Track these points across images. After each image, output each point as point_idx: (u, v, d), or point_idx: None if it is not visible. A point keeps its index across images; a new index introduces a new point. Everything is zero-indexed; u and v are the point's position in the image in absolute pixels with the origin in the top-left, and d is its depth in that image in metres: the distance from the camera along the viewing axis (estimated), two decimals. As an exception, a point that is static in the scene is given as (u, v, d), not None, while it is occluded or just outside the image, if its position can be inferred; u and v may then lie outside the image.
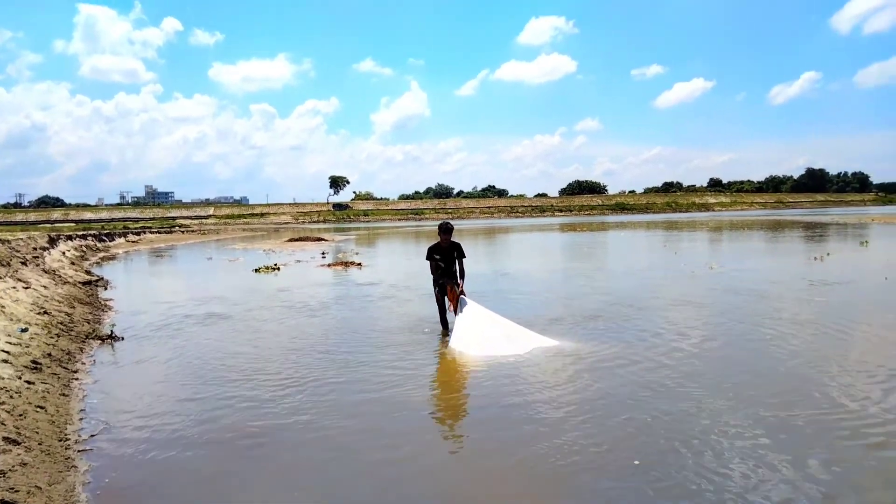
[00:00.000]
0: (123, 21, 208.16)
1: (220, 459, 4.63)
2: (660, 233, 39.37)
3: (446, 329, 8.74)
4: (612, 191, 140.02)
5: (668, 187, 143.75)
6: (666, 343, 7.89)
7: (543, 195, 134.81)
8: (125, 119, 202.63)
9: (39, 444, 4.35)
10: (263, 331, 9.56)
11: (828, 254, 19.75)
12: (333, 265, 20.53)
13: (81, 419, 5.30)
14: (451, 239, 8.70)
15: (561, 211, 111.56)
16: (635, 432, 4.87)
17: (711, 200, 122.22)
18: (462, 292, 8.50)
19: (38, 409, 5.08)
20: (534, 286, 14.38)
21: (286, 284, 15.64)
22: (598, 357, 7.24)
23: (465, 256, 8.78)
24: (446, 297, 8.74)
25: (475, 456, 4.71)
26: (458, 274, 8.74)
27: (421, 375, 6.82)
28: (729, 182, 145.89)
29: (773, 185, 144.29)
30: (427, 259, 8.76)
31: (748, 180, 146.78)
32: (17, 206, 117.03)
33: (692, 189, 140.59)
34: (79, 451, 4.54)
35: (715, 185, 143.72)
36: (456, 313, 8.51)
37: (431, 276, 8.82)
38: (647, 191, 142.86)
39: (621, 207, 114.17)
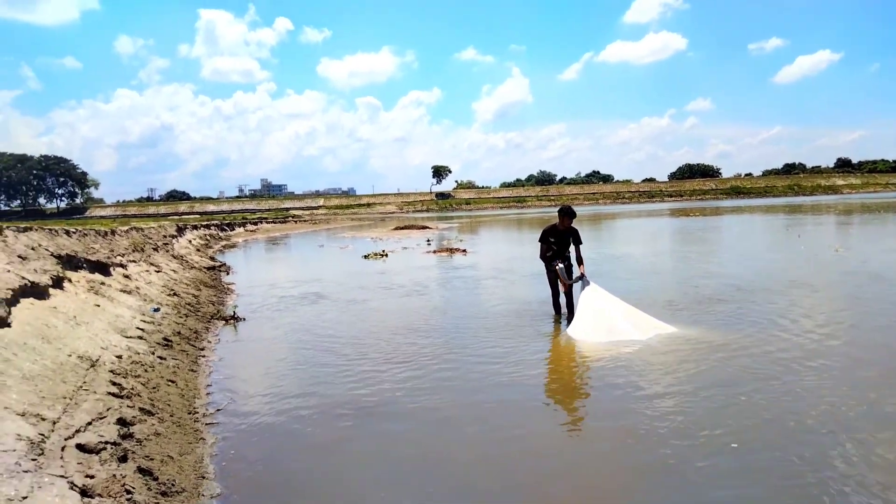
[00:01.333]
0: (239, 23, 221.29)
1: (335, 432, 4.71)
2: (780, 217, 36.57)
3: (558, 312, 8.45)
4: (726, 174, 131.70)
5: (790, 169, 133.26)
6: (786, 329, 7.26)
7: (651, 180, 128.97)
8: (242, 117, 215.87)
9: (171, 415, 4.54)
10: (376, 311, 9.70)
11: None
12: (439, 251, 20.66)
13: (208, 394, 5.54)
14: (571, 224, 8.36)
15: (671, 196, 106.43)
16: (758, 422, 4.43)
17: (840, 182, 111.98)
18: (583, 275, 8.11)
19: (170, 383, 5.34)
20: (646, 270, 13.73)
21: (395, 268, 15.89)
22: (717, 343, 6.73)
23: (581, 242, 8.37)
24: (559, 282, 8.40)
25: (582, 439, 4.56)
26: (572, 259, 8.41)
27: (531, 358, 6.63)
28: (860, 162, 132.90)
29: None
30: (540, 241, 8.46)
31: (882, 160, 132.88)
32: (149, 199, 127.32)
33: (817, 170, 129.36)
34: (206, 423, 4.71)
35: (843, 166, 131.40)
36: (568, 301, 8.19)
37: (543, 258, 8.49)
38: (766, 173, 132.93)
39: (737, 192, 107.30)
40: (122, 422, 4.02)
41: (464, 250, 20.37)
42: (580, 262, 8.30)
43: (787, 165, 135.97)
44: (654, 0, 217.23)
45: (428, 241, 26.45)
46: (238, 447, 4.37)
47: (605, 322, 7.37)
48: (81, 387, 4.42)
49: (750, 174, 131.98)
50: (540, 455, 4.26)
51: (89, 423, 3.80)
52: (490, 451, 4.34)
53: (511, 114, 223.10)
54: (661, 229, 31.18)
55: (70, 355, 5.02)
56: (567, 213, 8.30)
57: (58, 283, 6.93)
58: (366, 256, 19.59)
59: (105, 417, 4.00)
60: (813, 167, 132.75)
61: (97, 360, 5.23)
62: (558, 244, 8.33)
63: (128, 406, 4.36)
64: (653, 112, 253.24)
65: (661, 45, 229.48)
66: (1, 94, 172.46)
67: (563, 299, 8.44)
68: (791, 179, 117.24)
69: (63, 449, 3.29)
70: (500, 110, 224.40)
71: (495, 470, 4.07)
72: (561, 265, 8.20)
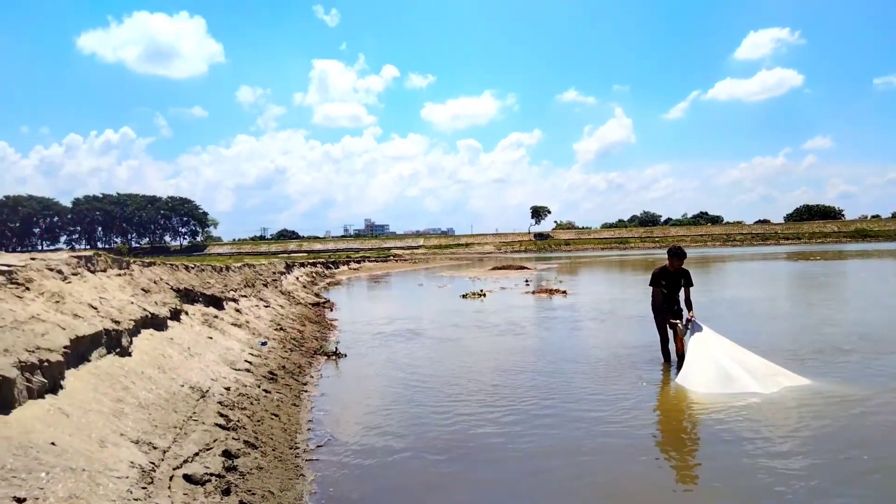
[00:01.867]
0: (349, 71, 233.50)
1: (430, 476, 4.60)
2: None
3: (668, 360, 7.97)
4: (850, 216, 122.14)
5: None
6: None
7: (765, 221, 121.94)
8: (349, 160, 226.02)
9: (273, 449, 4.59)
10: (474, 351, 9.60)
11: None
12: (537, 292, 20.31)
13: (309, 429, 5.58)
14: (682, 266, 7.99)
15: (787, 238, 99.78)
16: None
17: None
18: (692, 318, 7.63)
19: (273, 417, 5.43)
20: (763, 315, 12.75)
21: (493, 308, 15.75)
22: (853, 399, 6.06)
23: (692, 285, 8.01)
24: (672, 332, 7.91)
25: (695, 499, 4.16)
26: (681, 303, 7.98)
27: (637, 407, 6.22)
28: None
29: None
30: (651, 285, 8.08)
31: None
32: (261, 238, 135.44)
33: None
34: (307, 459, 4.72)
35: None
36: (682, 348, 7.62)
37: (652, 304, 8.09)
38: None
39: (862, 235, 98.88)
40: (227, 454, 4.09)
41: (563, 291, 19.92)
42: (689, 306, 7.85)
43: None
44: (766, 36, 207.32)
45: (526, 281, 26.14)
46: (337, 485, 4.33)
47: (719, 370, 6.76)
48: (191, 417, 4.56)
49: (878, 216, 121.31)
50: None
51: (196, 454, 3.89)
52: (576, 497, 4.15)
53: (613, 154, 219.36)
54: (777, 272, 29.18)
55: (182, 385, 5.23)
56: (677, 255, 7.91)
57: (175, 315, 7.33)
58: (464, 296, 19.59)
59: (212, 449, 4.09)
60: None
61: (207, 390, 5.41)
62: (669, 287, 7.96)
63: (233, 438, 4.45)
64: (766, 151, 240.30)
65: (774, 81, 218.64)
66: (138, 142, 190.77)
67: (672, 345, 7.96)
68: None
69: (171, 479, 3.36)
70: (602, 150, 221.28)
71: None
72: (680, 325, 7.72)
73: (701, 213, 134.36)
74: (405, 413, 6.24)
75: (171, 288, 8.44)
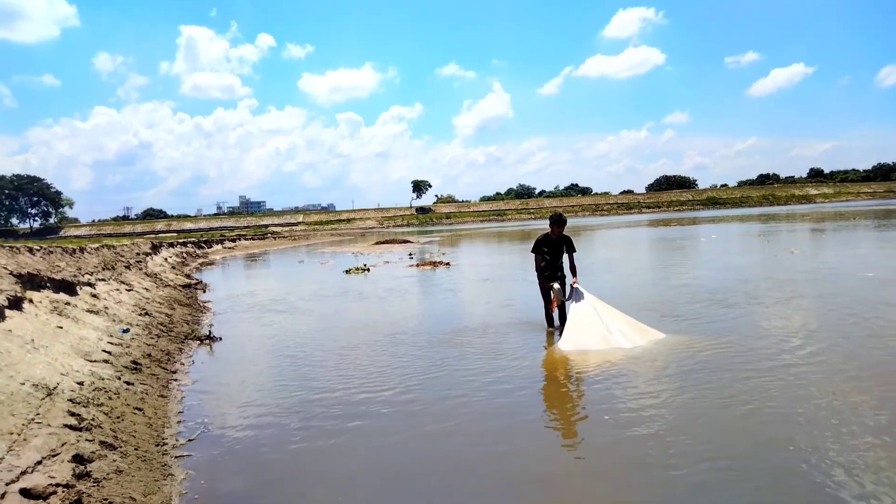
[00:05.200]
0: (221, 40, 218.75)
1: (315, 459, 4.34)
2: (755, 225, 37.02)
3: (551, 325, 8.13)
4: (702, 185, 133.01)
5: (765, 179, 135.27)
6: (764, 331, 7.09)
7: (629, 192, 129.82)
8: (222, 133, 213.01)
9: (136, 448, 4.07)
10: (359, 327, 9.25)
11: None
12: (421, 265, 20.26)
13: (179, 422, 5.06)
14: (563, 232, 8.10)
15: (648, 207, 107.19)
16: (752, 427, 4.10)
17: (813, 192, 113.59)
18: (574, 287, 7.83)
19: (136, 412, 4.86)
20: (627, 278, 13.48)
21: (378, 283, 15.47)
22: (697, 348, 6.77)
23: (574, 250, 8.18)
24: (551, 299, 8.10)
25: (578, 455, 4.33)
26: (562, 268, 8.14)
27: (519, 372, 6.33)
28: (832, 172, 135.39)
29: (883, 173, 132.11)
30: (533, 251, 8.17)
31: (853, 169, 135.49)
32: (125, 218, 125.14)
33: (791, 181, 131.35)
34: (176, 456, 4.24)
35: (816, 176, 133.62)
36: (560, 314, 7.90)
37: (536, 269, 8.19)
38: (741, 184, 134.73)
39: (713, 202, 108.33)
40: (78, 459, 3.56)
41: (447, 263, 20.01)
42: (574, 270, 8.02)
43: (761, 176, 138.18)
44: (634, 15, 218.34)
45: (410, 255, 26.04)
46: (212, 481, 3.91)
47: (595, 331, 7.23)
48: (33, 419, 3.94)
49: (725, 185, 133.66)
50: (523, 469, 4.07)
51: (39, 463, 3.34)
52: (470, 467, 4.13)
53: (491, 128, 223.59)
54: (641, 238, 31.17)
55: (24, 384, 4.54)
56: (558, 222, 8.03)
57: (16, 304, 6.41)
58: (347, 271, 19.11)
59: (58, 455, 3.53)
60: (787, 177, 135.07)
61: (55, 387, 4.74)
62: (551, 253, 8.08)
63: (86, 440, 3.89)
64: (631, 125, 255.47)
65: (640, 59, 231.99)
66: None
67: (556, 311, 8.13)
68: (765, 190, 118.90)
69: (3, 496, 2.82)
70: (481, 125, 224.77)
71: (472, 485, 3.88)
72: (557, 286, 7.91)
73: (572, 184, 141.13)
74: (288, 395, 5.84)
75: (11, 273, 7.39)
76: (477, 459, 4.23)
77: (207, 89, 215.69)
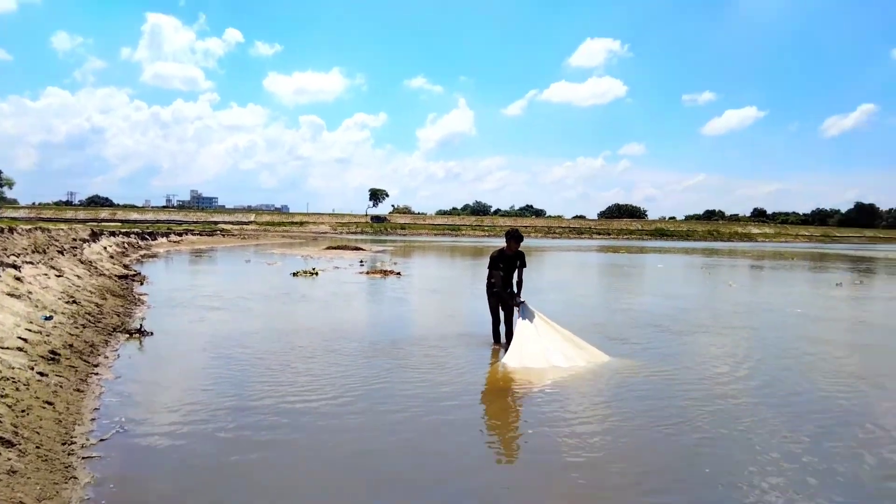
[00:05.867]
0: (188, 31, 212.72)
1: (242, 464, 4.04)
2: (697, 258, 38.13)
3: (497, 341, 8.02)
4: (652, 216, 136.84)
5: (711, 215, 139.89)
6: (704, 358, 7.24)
7: (581, 217, 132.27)
8: (180, 125, 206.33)
9: (38, 447, 3.70)
10: (301, 331, 8.91)
11: (860, 282, 20.87)
12: (372, 273, 19.95)
13: (94, 419, 4.65)
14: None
15: (599, 234, 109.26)
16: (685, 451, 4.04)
17: (754, 231, 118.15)
18: (521, 301, 7.76)
19: (46, 406, 4.46)
20: (575, 300, 13.54)
21: (325, 287, 15.10)
22: (643, 374, 6.82)
23: (525, 266, 8.11)
24: (501, 313, 8.02)
25: (512, 474, 4.24)
26: (512, 284, 8.05)
27: (463, 387, 6.20)
28: (774, 213, 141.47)
29: (820, 217, 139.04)
30: (490, 268, 8.05)
31: (794, 212, 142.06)
32: (68, 204, 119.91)
33: (735, 218, 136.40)
34: (83, 457, 3.87)
35: (759, 216, 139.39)
36: (508, 330, 7.81)
37: (487, 284, 8.09)
38: (688, 218, 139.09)
39: (661, 233, 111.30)
40: (-32, 454, 3.19)
41: (397, 273, 19.76)
42: (520, 286, 8.01)
43: (707, 211, 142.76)
44: (600, 45, 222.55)
45: (361, 262, 25.66)
46: (122, 487, 3.58)
47: (540, 349, 7.18)
48: (-77, 407, 3.55)
49: (674, 217, 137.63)
50: (456, 487, 3.91)
51: (-80, 457, 2.97)
52: (403, 476, 4.00)
53: (454, 143, 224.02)
54: (590, 263, 31.61)
55: (-81, 367, 4.11)
56: (515, 237, 7.99)
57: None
58: (294, 274, 18.63)
59: (-55, 448, 3.16)
60: (731, 215, 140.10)
61: (-45, 374, 4.32)
62: (506, 269, 8.01)
63: (-19, 434, 3.51)
64: (588, 153, 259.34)
65: (603, 89, 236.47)
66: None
67: (503, 328, 8.02)
68: (711, 225, 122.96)
69: None
70: (444, 139, 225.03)
71: (403, 489, 3.72)
72: (525, 302, 7.85)
73: (527, 205, 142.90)
74: (217, 398, 5.50)
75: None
76: (409, 475, 4.03)
77: (169, 79, 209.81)
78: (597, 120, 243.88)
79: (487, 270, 8.11)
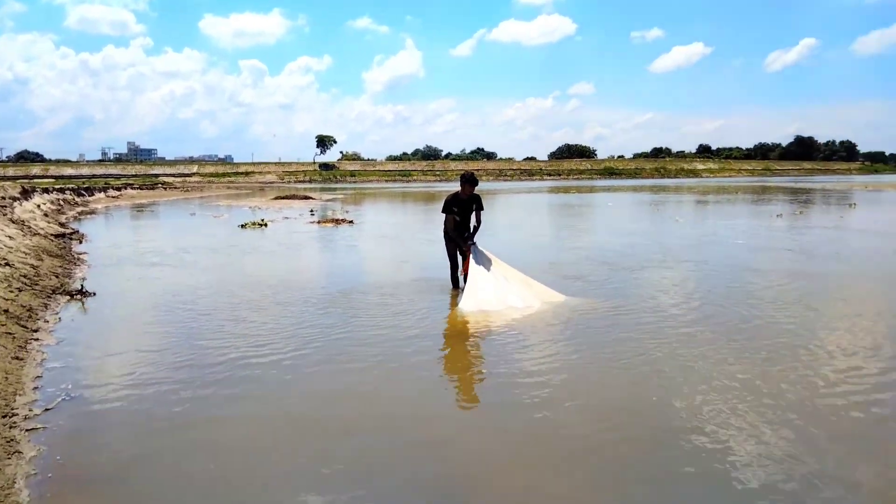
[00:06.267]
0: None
1: (199, 429, 3.91)
2: (645, 196, 39.00)
3: (456, 286, 7.98)
4: (601, 156, 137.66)
5: (658, 153, 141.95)
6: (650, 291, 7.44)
7: (532, 159, 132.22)
8: (111, 73, 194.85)
9: (-25, 421, 3.48)
10: (252, 285, 8.64)
11: (800, 212, 22.20)
12: (323, 222, 19.57)
13: (36, 388, 4.40)
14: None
15: (550, 175, 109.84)
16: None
17: (700, 167, 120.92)
18: (472, 244, 7.72)
19: (-18, 376, 4.20)
20: (527, 240, 13.66)
21: (275, 238, 14.77)
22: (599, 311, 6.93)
23: (482, 209, 8.03)
24: (459, 258, 7.95)
25: (473, 417, 4.28)
26: (468, 228, 7.97)
27: (425, 331, 6.19)
28: (718, 148, 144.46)
29: (762, 152, 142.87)
30: (444, 212, 7.92)
31: (737, 147, 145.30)
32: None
33: (681, 155, 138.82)
34: (27, 430, 3.67)
35: (704, 152, 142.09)
36: (467, 273, 7.74)
37: (444, 231, 7.98)
38: (637, 156, 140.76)
39: (610, 172, 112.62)
40: None
41: (350, 221, 19.48)
42: (475, 229, 7.99)
43: (655, 149, 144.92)
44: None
45: (311, 211, 25.15)
46: (70, 457, 3.41)
47: (495, 292, 7.18)
48: None
49: (622, 156, 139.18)
50: (416, 432, 3.95)
51: None
52: (361, 431, 3.91)
53: (402, 86, 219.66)
54: (541, 204, 31.86)
55: None
56: (470, 181, 7.86)
57: None
58: (243, 226, 18.12)
59: None
60: (678, 152, 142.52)
61: None
62: (461, 213, 7.91)
63: (-90, 411, 3.27)
64: (538, 93, 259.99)
65: (552, 27, 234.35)
66: None
67: (461, 274, 7.98)
68: (658, 162, 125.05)
69: None
70: (391, 82, 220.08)
71: (360, 448, 3.66)
72: (477, 246, 7.77)
73: (478, 148, 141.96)
74: (171, 355, 5.31)
75: None
76: (368, 423, 4.01)
77: (96, 23, 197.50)
78: (546, 59, 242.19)
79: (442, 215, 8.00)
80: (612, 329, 6.14)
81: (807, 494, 3.04)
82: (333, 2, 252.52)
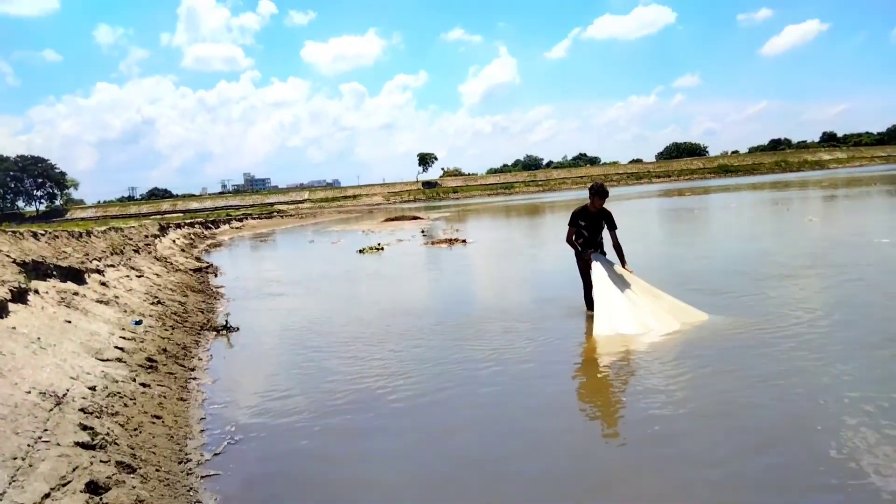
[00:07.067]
0: (222, 7, 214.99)
1: (360, 469, 3.88)
2: (767, 193, 36.29)
3: (591, 308, 7.58)
4: (713, 152, 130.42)
5: (776, 145, 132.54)
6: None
7: (638, 161, 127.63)
8: (226, 107, 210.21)
9: (157, 469, 3.60)
10: (384, 312, 8.74)
11: None
12: (437, 242, 19.73)
13: (203, 430, 4.56)
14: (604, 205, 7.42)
15: (659, 177, 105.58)
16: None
17: (825, 157, 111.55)
18: (595, 252, 7.31)
19: (155, 420, 4.40)
20: (651, 249, 12.95)
21: (394, 263, 15.02)
22: (737, 329, 6.32)
23: (616, 227, 7.45)
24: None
25: (622, 453, 3.97)
26: (602, 245, 7.53)
27: (558, 359, 5.98)
28: (845, 135, 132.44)
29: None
30: (570, 224, 7.52)
31: (867, 132, 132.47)
32: (130, 199, 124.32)
33: (803, 145, 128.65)
34: (202, 476, 3.76)
35: (829, 140, 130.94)
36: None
37: (573, 247, 7.59)
38: (753, 150, 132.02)
39: (725, 170, 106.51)
40: (92, 487, 3.10)
41: (462, 240, 19.49)
42: (620, 252, 7.36)
43: (773, 141, 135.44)
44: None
45: (422, 231, 25.53)
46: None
47: (633, 313, 6.66)
48: (41, 438, 3.49)
49: (737, 151, 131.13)
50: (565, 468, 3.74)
51: (47, 496, 2.88)
52: (503, 468, 3.76)
53: (498, 95, 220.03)
54: (656, 210, 30.52)
55: (29, 392, 4.08)
56: (599, 193, 7.32)
57: (20, 296, 5.95)
58: (361, 251, 18.61)
59: (70, 483, 3.08)
60: (799, 142, 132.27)
61: (64, 395, 4.29)
62: (589, 229, 7.42)
63: (101, 461, 3.43)
64: (640, 90, 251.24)
65: (650, 18, 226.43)
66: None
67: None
68: (777, 155, 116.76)
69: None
70: (487, 92, 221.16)
71: (505, 488, 3.50)
72: (595, 254, 7.32)
73: (580, 154, 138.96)
74: (319, 392, 5.37)
75: (14, 261, 6.93)
76: (511, 459, 3.86)
77: (209, 61, 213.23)
78: (646, 53, 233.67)
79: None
80: (773, 357, 5.37)
81: None
82: (426, 15, 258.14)
